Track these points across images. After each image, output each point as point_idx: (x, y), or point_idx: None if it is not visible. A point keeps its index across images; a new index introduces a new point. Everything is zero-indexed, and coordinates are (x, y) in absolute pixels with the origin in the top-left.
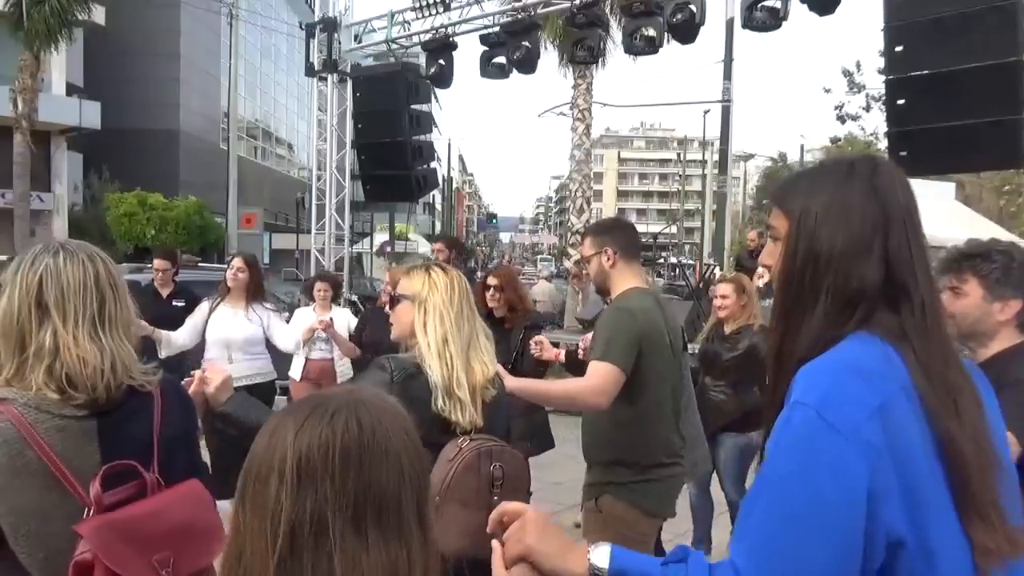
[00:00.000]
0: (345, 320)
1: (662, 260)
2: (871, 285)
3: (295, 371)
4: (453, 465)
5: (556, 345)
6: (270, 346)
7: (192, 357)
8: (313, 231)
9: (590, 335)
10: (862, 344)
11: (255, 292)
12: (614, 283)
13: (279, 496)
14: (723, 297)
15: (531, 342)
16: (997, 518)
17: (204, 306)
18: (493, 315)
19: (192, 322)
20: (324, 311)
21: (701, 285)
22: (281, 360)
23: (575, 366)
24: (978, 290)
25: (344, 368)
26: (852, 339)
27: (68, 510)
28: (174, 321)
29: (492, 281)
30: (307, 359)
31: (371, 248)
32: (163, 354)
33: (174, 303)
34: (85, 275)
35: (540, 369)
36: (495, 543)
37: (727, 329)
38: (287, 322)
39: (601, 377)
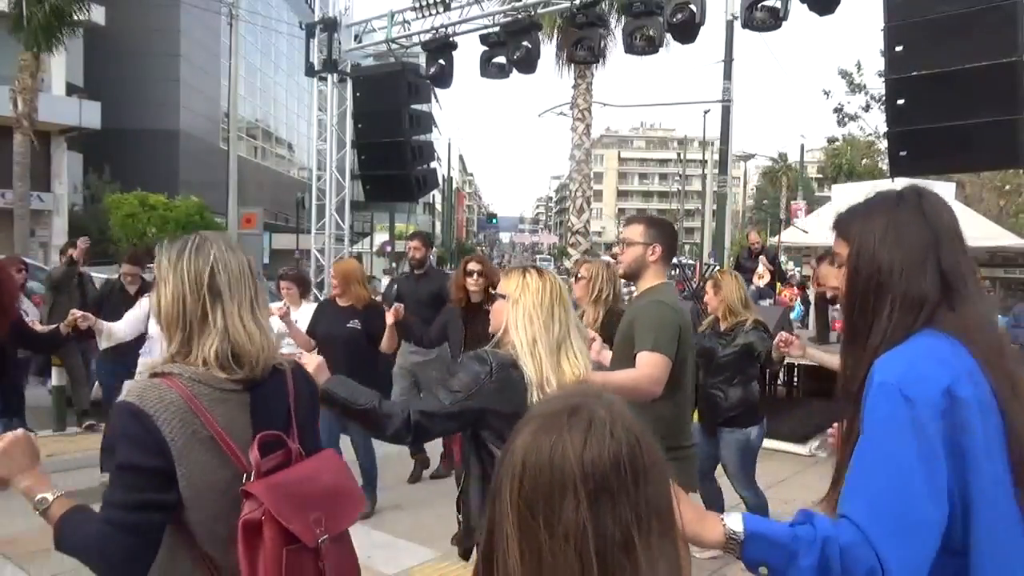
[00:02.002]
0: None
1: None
2: (931, 292)
3: None
4: None
5: None
6: None
7: (133, 350)
8: (313, 231)
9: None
10: (932, 338)
11: (144, 290)
12: (647, 276)
13: (578, 516)
14: (707, 296)
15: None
16: None
17: (145, 301)
18: (469, 301)
19: (133, 315)
20: (294, 308)
21: (701, 285)
22: None
23: None
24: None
25: None
26: (922, 334)
27: (227, 475)
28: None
29: (473, 266)
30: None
31: (371, 248)
32: (102, 345)
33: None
34: (241, 264)
35: None
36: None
37: (722, 326)
38: None
39: (655, 367)
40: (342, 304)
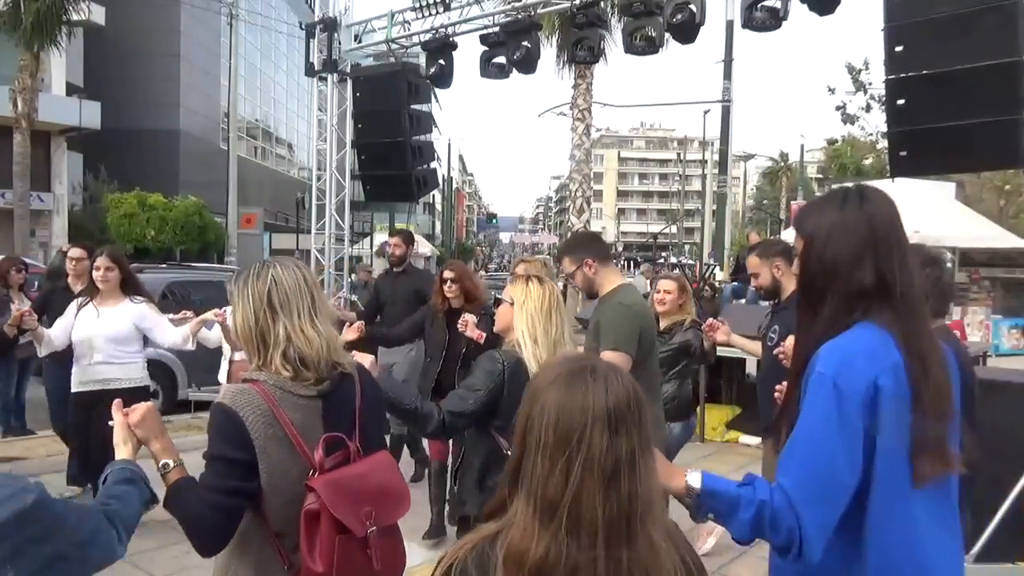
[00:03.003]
0: None
1: (662, 260)
2: (868, 285)
3: (221, 375)
4: None
5: None
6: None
7: (67, 358)
8: (313, 231)
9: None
10: (868, 330)
11: (127, 288)
12: (601, 285)
13: (603, 443)
14: (666, 292)
15: (459, 322)
16: (940, 450)
17: (72, 307)
18: (451, 306)
19: (63, 323)
20: None
21: (701, 284)
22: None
23: None
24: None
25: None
26: (859, 327)
27: (299, 469)
28: None
29: (448, 274)
30: (231, 361)
31: (371, 248)
32: (42, 352)
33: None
34: (296, 280)
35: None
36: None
37: (662, 324)
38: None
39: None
40: None
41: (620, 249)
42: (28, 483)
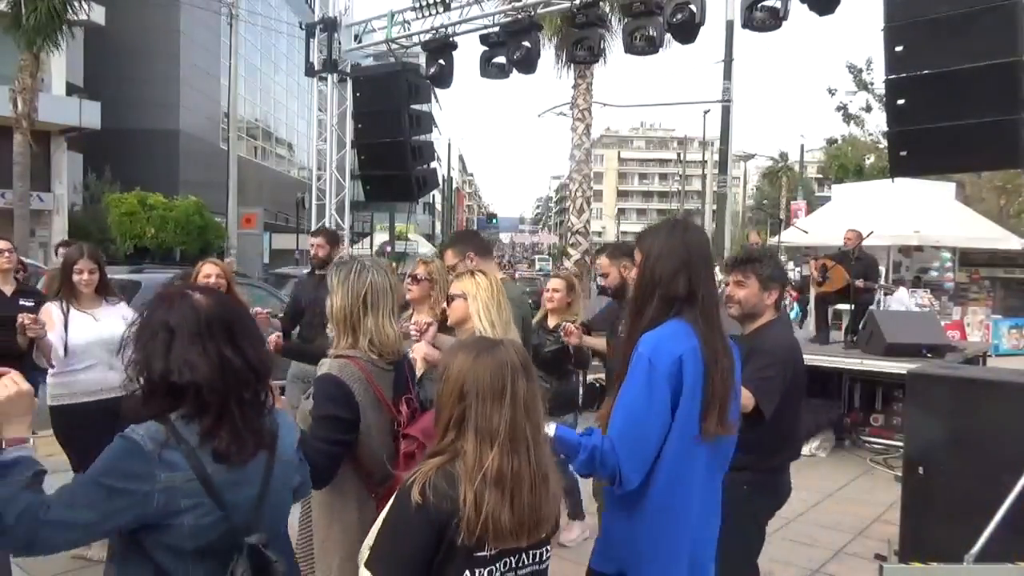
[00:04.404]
0: None
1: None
2: (681, 293)
3: None
4: None
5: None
6: None
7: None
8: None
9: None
10: (677, 324)
11: (103, 290)
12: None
13: (524, 389)
14: (554, 291)
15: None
16: (721, 415)
17: (54, 312)
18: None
19: (58, 334)
20: None
21: None
22: None
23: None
24: (755, 283)
25: None
26: (671, 321)
27: (386, 421)
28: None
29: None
30: None
31: (371, 248)
32: (44, 364)
33: (21, 302)
34: (385, 285)
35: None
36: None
37: (551, 322)
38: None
39: None
40: None
41: None
42: None
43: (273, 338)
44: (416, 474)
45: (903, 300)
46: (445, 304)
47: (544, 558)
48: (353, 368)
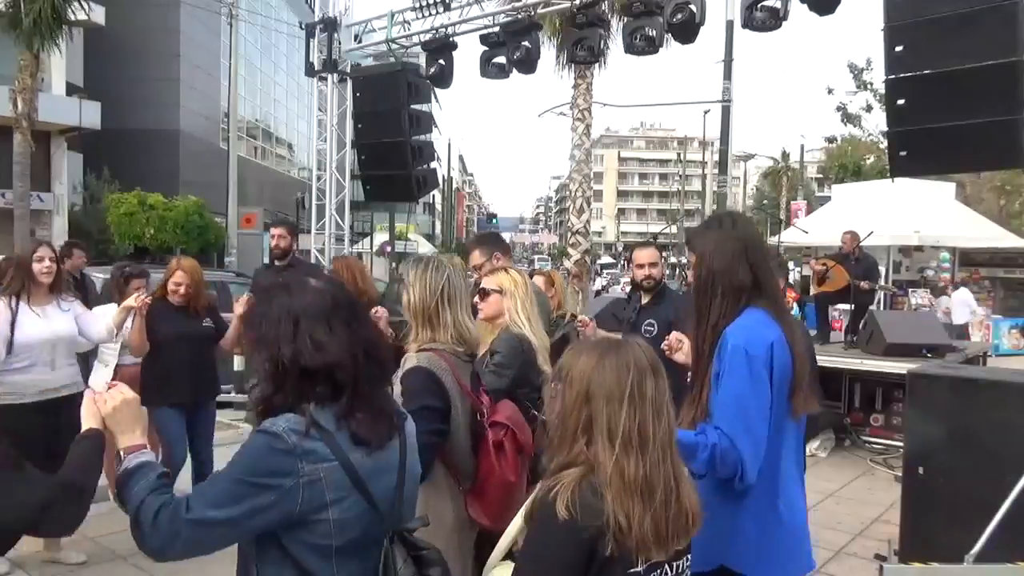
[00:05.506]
0: None
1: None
2: (746, 282)
3: (98, 381)
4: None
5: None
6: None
7: None
8: (313, 231)
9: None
10: (755, 312)
11: (57, 286)
12: None
13: (654, 390)
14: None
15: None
16: (805, 393)
17: (0, 309)
18: None
19: (1, 334)
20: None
21: None
22: None
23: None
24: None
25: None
26: (749, 310)
27: (469, 411)
28: None
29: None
30: (118, 365)
31: (371, 248)
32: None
33: None
34: (460, 280)
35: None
36: None
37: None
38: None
39: None
40: (178, 303)
41: (620, 249)
42: None
43: (248, 296)
44: (557, 488)
45: (967, 301)
46: (477, 299)
47: (685, 568)
48: (439, 360)
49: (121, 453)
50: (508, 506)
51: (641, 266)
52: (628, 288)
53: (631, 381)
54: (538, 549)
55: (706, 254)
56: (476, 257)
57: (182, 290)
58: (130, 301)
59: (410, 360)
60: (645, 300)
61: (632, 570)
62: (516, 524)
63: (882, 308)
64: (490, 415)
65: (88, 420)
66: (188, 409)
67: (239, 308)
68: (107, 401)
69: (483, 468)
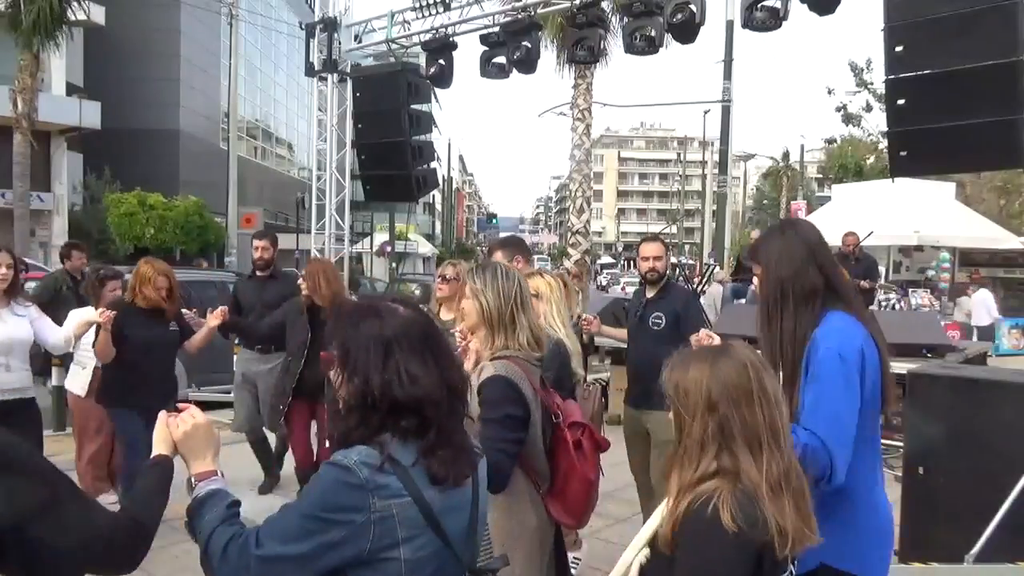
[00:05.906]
0: None
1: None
2: (818, 284)
3: (77, 385)
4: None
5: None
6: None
7: None
8: (313, 231)
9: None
10: (840, 315)
11: (13, 290)
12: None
13: (773, 383)
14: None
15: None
16: (891, 392)
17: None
18: (313, 303)
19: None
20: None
21: (701, 284)
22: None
23: None
24: None
25: None
26: (832, 314)
27: (544, 414)
28: None
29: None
30: (96, 369)
31: (371, 248)
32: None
33: None
34: (526, 285)
35: None
36: None
37: None
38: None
39: None
40: (145, 307)
41: (620, 249)
42: None
43: (221, 310)
44: (713, 502)
45: (987, 303)
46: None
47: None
48: (515, 367)
49: (192, 479)
50: (590, 504)
51: (646, 259)
52: (628, 287)
53: (754, 379)
54: (709, 566)
55: (772, 263)
56: (498, 258)
57: (164, 292)
58: (95, 316)
59: (487, 369)
60: (651, 294)
61: (785, 573)
62: (656, 518)
63: (895, 309)
64: (565, 416)
65: (159, 445)
66: (145, 412)
67: (213, 320)
68: (179, 426)
69: (563, 468)
